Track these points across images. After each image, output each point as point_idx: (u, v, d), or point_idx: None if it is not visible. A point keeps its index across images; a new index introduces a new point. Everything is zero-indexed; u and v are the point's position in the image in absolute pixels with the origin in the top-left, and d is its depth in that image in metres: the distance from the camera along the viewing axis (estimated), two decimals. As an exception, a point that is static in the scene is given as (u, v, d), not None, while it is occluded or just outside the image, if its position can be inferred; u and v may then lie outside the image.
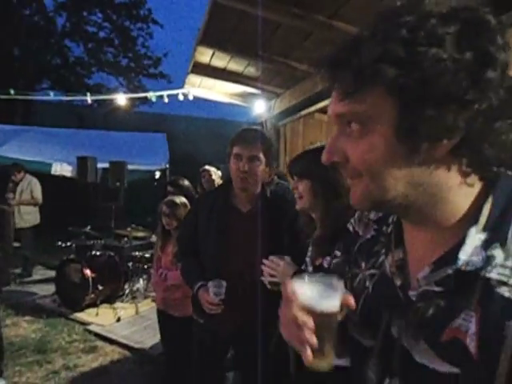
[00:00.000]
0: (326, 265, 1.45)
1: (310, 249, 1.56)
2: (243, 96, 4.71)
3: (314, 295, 0.58)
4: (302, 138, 4.75)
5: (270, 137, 1.97)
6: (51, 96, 5.46)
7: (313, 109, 3.71)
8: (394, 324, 0.60)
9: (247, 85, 4.16)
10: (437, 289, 0.54)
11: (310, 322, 0.57)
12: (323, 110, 4.33)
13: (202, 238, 1.93)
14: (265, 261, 1.56)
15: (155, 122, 13.13)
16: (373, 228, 0.74)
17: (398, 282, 0.61)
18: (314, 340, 0.57)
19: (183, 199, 2.93)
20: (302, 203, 1.52)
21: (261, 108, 4.52)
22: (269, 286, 1.57)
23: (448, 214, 0.55)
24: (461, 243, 0.52)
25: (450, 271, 0.52)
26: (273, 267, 1.53)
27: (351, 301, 0.60)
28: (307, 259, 1.56)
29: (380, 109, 0.52)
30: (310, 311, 0.58)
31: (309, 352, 0.57)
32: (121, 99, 5.11)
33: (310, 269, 1.50)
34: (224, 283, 1.76)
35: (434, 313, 0.54)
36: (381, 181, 0.54)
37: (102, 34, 18.33)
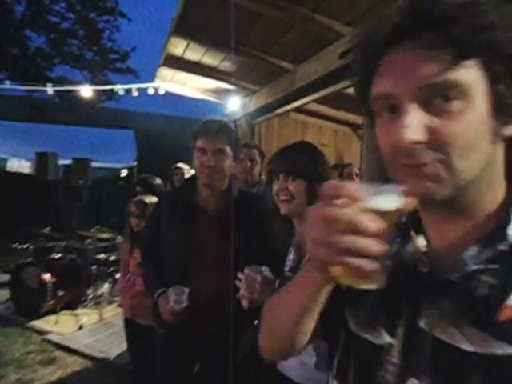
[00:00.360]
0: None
1: (292, 258, 1.41)
2: (217, 92, 4.53)
3: (373, 193, 0.45)
4: (277, 137, 4.64)
5: (236, 129, 1.84)
6: (7, 85, 5.02)
7: (290, 107, 3.59)
8: (422, 315, 0.55)
9: (222, 80, 3.99)
10: (491, 266, 0.51)
11: (379, 223, 0.44)
12: (299, 109, 4.25)
13: (164, 240, 1.78)
14: (240, 275, 1.37)
15: (121, 118, 12.63)
16: None
17: (425, 269, 0.57)
18: (382, 247, 0.44)
19: (154, 199, 2.75)
20: (292, 206, 1.37)
21: (235, 105, 4.36)
22: (245, 307, 1.37)
23: (493, 197, 0.54)
24: (506, 221, 0.52)
25: (502, 247, 0.51)
26: (249, 283, 1.33)
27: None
28: (286, 269, 1.41)
29: (476, 80, 0.48)
30: (375, 212, 0.45)
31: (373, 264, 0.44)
32: (85, 91, 4.78)
33: None
34: (186, 290, 1.60)
35: (487, 292, 0.50)
36: (465, 161, 0.49)
37: (65, 25, 17.53)
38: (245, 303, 1.36)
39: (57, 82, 15.49)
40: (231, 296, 1.55)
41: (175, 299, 1.59)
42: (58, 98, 16.42)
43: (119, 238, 4.96)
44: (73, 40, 17.98)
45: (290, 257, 1.42)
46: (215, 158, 1.64)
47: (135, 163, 7.22)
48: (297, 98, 3.38)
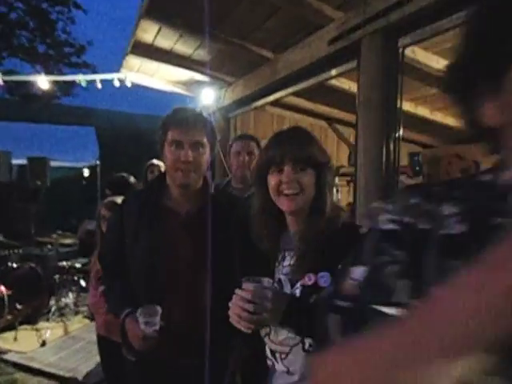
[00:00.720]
0: (323, 283, 1.10)
1: (290, 263, 1.20)
2: (188, 84, 4.24)
3: None
4: (254, 131, 4.43)
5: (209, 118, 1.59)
6: None
7: (271, 98, 3.38)
8: None
9: (195, 71, 3.72)
10: None
11: None
12: (275, 103, 4.05)
13: (129, 250, 1.49)
14: (244, 294, 1.05)
15: (80, 114, 11.91)
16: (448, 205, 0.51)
17: None
18: None
19: (127, 200, 2.46)
20: (301, 201, 1.16)
21: (209, 98, 4.09)
22: (247, 330, 1.05)
23: None
24: None
25: None
26: (259, 302, 1.04)
27: None
28: (282, 277, 1.19)
29: None
30: None
31: None
32: (42, 82, 4.33)
33: (298, 292, 1.14)
34: (158, 309, 1.32)
35: None
36: None
37: (13, 15, 16.38)
38: (250, 327, 1.09)
39: (5, 75, 14.48)
40: (209, 315, 1.34)
41: (146, 321, 1.31)
42: (9, 94, 15.36)
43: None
44: (22, 31, 16.87)
45: (286, 262, 1.21)
46: (193, 152, 1.41)
47: (98, 162, 6.75)
48: (279, 89, 3.18)
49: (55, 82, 5.17)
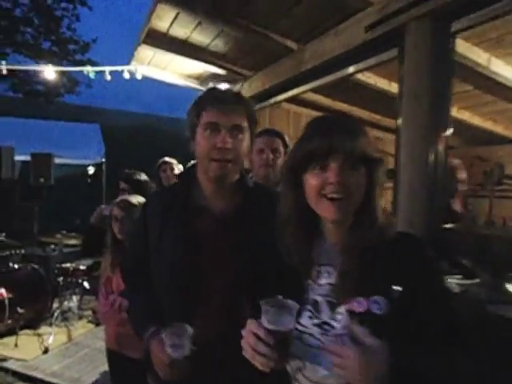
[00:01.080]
0: (376, 310, 0.84)
1: (325, 282, 0.96)
2: (202, 78, 4.04)
3: None
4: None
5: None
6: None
7: (293, 92, 3.16)
8: None
9: (210, 63, 3.51)
10: None
11: None
12: (292, 99, 3.82)
13: (155, 259, 1.26)
14: (254, 327, 0.85)
15: (84, 113, 11.71)
16: None
17: None
18: None
19: (141, 199, 2.24)
20: (350, 207, 0.91)
21: (223, 93, 3.88)
22: (265, 369, 0.83)
23: None
24: None
25: None
26: (279, 349, 0.81)
27: None
28: (319, 299, 0.96)
29: None
30: None
31: None
32: (49, 73, 4.12)
33: (342, 319, 0.90)
34: (189, 329, 1.08)
35: None
36: None
37: (18, 12, 16.24)
38: (269, 366, 0.85)
39: (9, 72, 14.32)
40: None
41: (173, 343, 1.07)
42: (12, 91, 15.23)
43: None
44: (27, 28, 16.73)
45: (323, 280, 0.97)
46: (232, 138, 1.17)
47: (103, 159, 6.53)
48: (304, 82, 2.96)
49: (60, 78, 4.98)
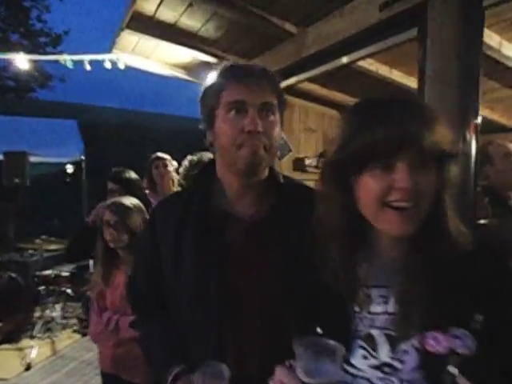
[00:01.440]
0: (460, 348, 0.63)
1: (380, 310, 0.76)
2: (190, 67, 3.76)
3: None
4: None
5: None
6: None
7: (292, 81, 2.94)
8: None
9: (200, 50, 3.24)
10: None
11: None
12: (290, 88, 3.60)
13: (171, 282, 1.02)
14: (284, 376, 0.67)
15: (59, 109, 11.15)
16: None
17: None
18: None
19: (135, 200, 2.01)
20: (419, 217, 0.69)
21: (213, 83, 3.62)
22: None
23: None
24: None
25: None
26: None
27: None
28: (375, 332, 0.74)
29: None
30: None
31: None
32: (21, 62, 3.76)
33: (412, 361, 0.70)
34: (225, 369, 0.84)
35: None
36: None
37: (-19, 2, 15.46)
38: None
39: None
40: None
41: None
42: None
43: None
44: (-8, 19, 15.94)
45: (376, 308, 0.76)
46: (264, 120, 0.94)
47: (82, 157, 6.18)
48: (306, 69, 2.74)
49: (32, 70, 4.60)
